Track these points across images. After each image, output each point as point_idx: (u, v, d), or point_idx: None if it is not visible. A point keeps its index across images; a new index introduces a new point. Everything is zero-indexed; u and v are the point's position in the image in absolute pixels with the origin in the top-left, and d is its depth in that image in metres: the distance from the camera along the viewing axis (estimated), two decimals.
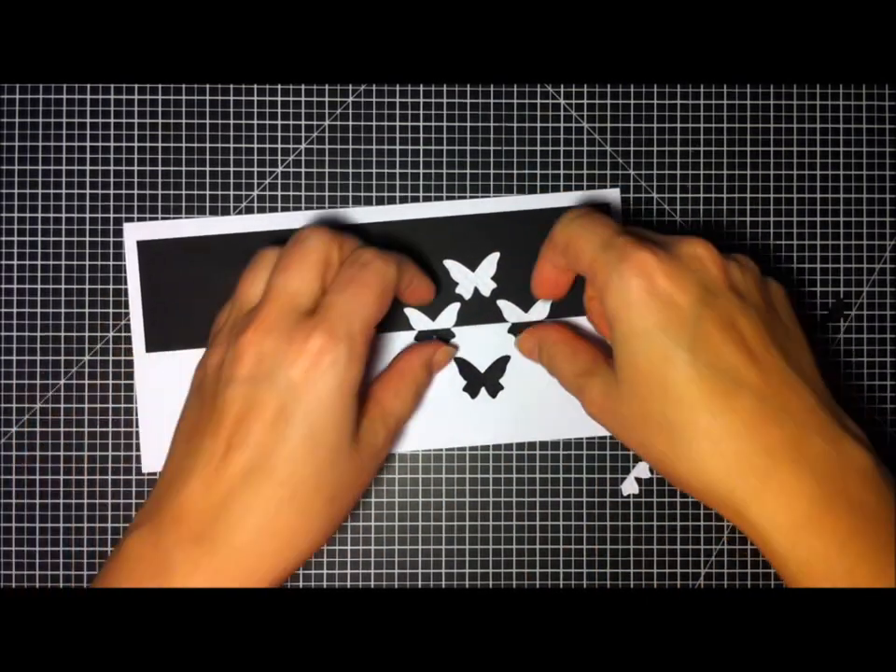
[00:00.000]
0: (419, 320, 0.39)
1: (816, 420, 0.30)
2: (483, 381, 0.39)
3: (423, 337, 0.39)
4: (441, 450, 0.39)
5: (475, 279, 0.39)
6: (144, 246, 0.38)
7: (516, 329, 0.39)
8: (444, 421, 0.39)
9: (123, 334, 0.38)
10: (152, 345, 0.38)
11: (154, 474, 0.38)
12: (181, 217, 0.38)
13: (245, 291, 0.34)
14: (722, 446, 0.29)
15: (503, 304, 0.39)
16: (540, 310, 0.39)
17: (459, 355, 0.39)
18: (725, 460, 0.29)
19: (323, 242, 0.33)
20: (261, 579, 0.31)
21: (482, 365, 0.39)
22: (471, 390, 0.39)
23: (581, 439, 0.39)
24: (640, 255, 0.30)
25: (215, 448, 0.31)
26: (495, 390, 0.39)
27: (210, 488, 0.30)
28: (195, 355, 0.38)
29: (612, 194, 0.39)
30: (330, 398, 0.31)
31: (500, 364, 0.39)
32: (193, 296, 0.38)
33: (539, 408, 0.39)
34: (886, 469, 0.30)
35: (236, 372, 0.31)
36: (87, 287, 0.38)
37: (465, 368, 0.39)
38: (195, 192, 0.39)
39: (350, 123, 0.39)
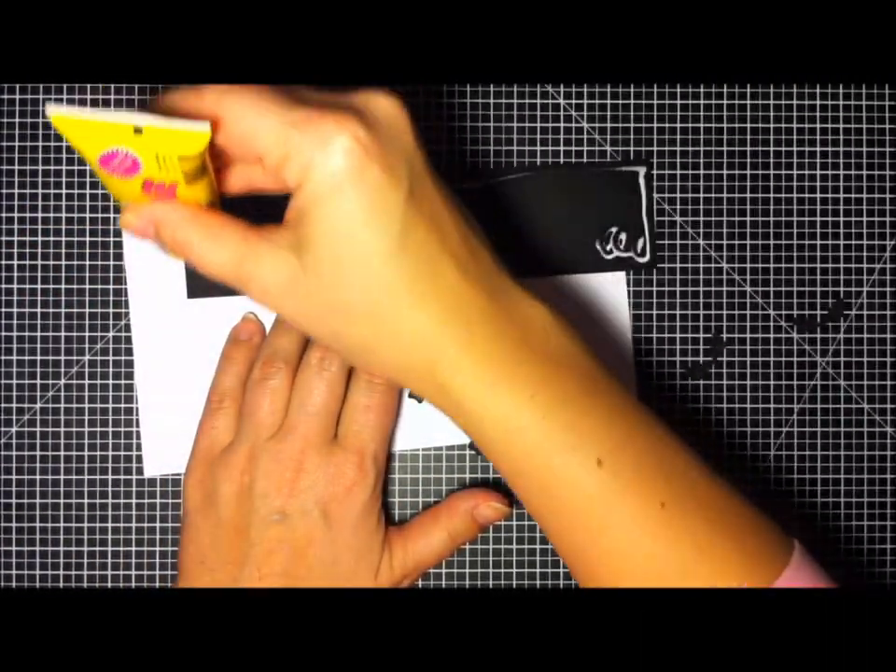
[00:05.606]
0: None
1: (501, 284, 0.30)
2: None
3: (414, 394, 0.38)
4: (442, 448, 0.39)
5: None
6: None
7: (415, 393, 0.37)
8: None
9: (123, 334, 0.38)
10: (194, 291, 0.38)
11: (155, 479, 0.38)
12: None
13: (259, 408, 0.35)
14: (427, 325, 0.29)
15: None
16: None
17: None
18: (429, 337, 0.29)
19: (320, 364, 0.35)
20: None
21: None
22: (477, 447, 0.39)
23: None
24: (344, 128, 0.27)
25: (249, 580, 0.34)
26: None
27: None
28: (197, 358, 0.38)
29: None
30: (355, 528, 0.34)
31: None
32: None
33: None
34: (566, 322, 0.31)
35: (271, 508, 0.34)
36: (87, 286, 0.38)
37: None
38: None
39: None
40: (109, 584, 0.38)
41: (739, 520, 0.30)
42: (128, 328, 0.39)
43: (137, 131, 0.26)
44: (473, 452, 0.39)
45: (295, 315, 0.30)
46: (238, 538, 0.34)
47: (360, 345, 0.30)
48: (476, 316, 0.29)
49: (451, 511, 0.36)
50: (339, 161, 0.27)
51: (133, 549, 0.38)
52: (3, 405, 0.38)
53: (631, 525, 0.29)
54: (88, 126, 0.26)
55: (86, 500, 0.38)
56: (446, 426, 0.39)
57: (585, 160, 0.39)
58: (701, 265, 0.39)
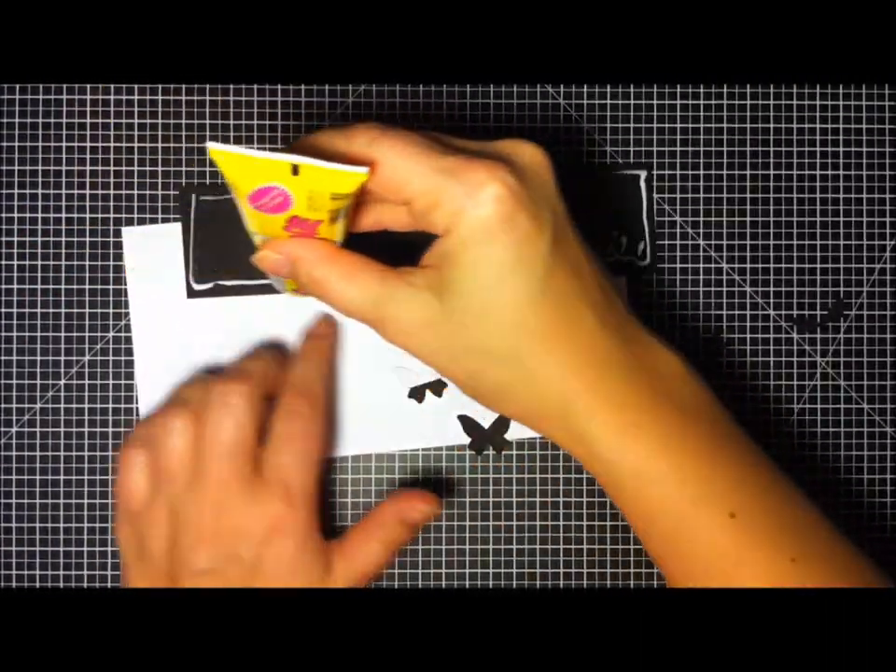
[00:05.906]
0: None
1: (634, 333, 0.31)
2: (489, 437, 0.39)
3: (414, 394, 0.38)
4: (442, 448, 0.39)
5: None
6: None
7: (415, 393, 0.38)
8: (388, 425, 0.38)
9: (123, 334, 0.38)
10: (194, 291, 0.38)
11: None
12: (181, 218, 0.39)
13: (169, 461, 0.33)
14: (564, 370, 0.29)
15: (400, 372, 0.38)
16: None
17: (462, 412, 0.38)
18: (564, 382, 0.30)
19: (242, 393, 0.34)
20: None
21: (485, 420, 0.39)
22: (477, 447, 0.39)
23: None
24: (494, 176, 0.28)
25: None
26: (500, 446, 0.39)
27: None
28: (197, 358, 0.38)
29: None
30: (291, 566, 0.33)
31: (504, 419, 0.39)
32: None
33: None
34: (696, 371, 0.32)
35: (197, 561, 0.32)
36: (87, 287, 0.38)
37: (467, 423, 0.39)
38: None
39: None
40: (109, 584, 0.38)
41: (864, 576, 0.30)
42: (128, 328, 0.39)
43: (294, 170, 0.26)
44: (472, 452, 0.39)
45: (431, 355, 0.30)
46: (175, 586, 0.33)
47: (496, 388, 0.30)
48: (611, 364, 0.30)
49: (379, 521, 0.35)
50: (490, 209, 0.28)
51: None
52: (3, 405, 0.38)
53: (761, 580, 0.29)
54: (247, 162, 0.26)
55: (86, 500, 0.38)
56: (445, 426, 0.39)
57: (585, 160, 0.39)
58: (701, 265, 0.39)
